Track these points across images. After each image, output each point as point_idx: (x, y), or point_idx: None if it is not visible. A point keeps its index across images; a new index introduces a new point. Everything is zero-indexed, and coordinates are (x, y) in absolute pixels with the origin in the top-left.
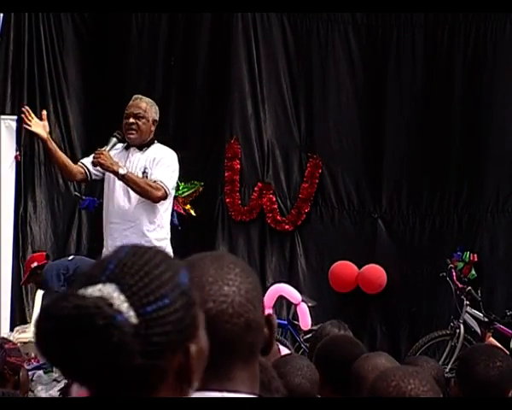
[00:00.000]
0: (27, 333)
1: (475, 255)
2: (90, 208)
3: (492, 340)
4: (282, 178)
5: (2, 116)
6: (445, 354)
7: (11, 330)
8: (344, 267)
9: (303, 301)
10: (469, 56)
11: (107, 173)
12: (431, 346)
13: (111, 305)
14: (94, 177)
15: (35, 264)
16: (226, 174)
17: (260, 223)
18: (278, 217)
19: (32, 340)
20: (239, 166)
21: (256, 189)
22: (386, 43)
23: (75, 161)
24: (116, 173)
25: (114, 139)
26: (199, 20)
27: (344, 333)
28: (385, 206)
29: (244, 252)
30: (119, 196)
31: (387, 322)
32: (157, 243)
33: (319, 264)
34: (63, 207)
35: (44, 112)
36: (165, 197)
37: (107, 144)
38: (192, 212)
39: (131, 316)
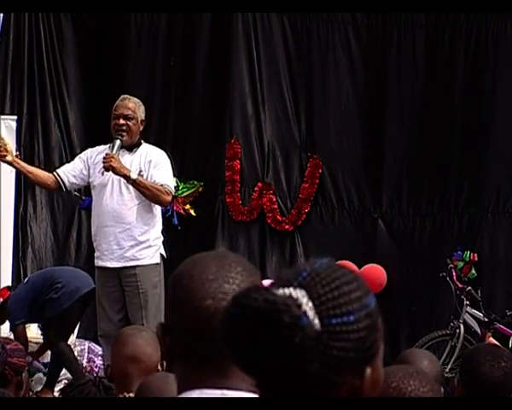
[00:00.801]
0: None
1: (475, 255)
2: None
3: (492, 340)
4: (283, 178)
5: (2, 116)
6: (444, 354)
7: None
8: (344, 267)
9: None
10: (470, 57)
11: (95, 181)
12: (431, 346)
13: (299, 306)
14: (71, 186)
15: (0, 300)
16: (226, 174)
17: (260, 223)
18: (278, 217)
19: (32, 340)
20: (239, 166)
21: (256, 189)
22: (386, 43)
23: None
24: (128, 178)
25: (118, 142)
26: (198, 20)
27: None
28: (385, 206)
29: (244, 252)
30: (113, 200)
31: (387, 322)
32: (152, 243)
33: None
34: (63, 208)
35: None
36: (172, 200)
37: (111, 148)
38: (192, 212)
39: (316, 323)
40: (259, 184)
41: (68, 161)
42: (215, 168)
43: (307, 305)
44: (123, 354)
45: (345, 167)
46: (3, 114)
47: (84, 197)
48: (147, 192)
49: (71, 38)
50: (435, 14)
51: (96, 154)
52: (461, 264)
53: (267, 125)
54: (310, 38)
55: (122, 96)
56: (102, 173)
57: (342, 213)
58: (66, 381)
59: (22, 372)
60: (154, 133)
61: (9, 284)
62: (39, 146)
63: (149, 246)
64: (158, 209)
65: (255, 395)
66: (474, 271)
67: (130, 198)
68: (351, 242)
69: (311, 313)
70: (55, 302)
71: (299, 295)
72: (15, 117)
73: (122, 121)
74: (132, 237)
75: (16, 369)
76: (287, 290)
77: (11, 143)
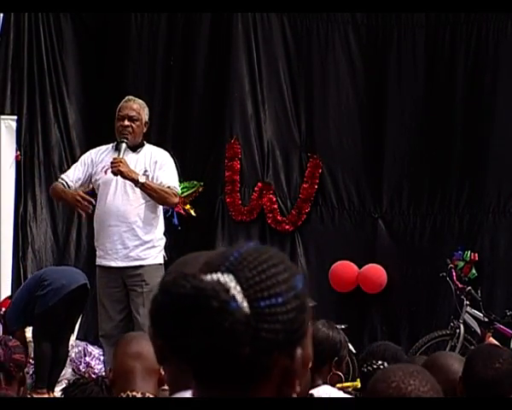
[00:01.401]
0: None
1: (476, 255)
2: None
3: (492, 340)
4: (283, 178)
5: (2, 116)
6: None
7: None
8: (344, 267)
9: None
10: (471, 57)
11: (100, 180)
12: (431, 346)
13: (227, 291)
14: (73, 187)
15: (3, 310)
16: (226, 174)
17: (260, 223)
18: (278, 217)
19: (31, 340)
20: (239, 166)
21: (256, 189)
22: (386, 43)
23: (75, 161)
24: (136, 181)
25: (124, 145)
26: (198, 20)
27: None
28: (385, 206)
29: None
30: (118, 200)
31: (388, 322)
32: (156, 243)
33: (319, 264)
34: (63, 207)
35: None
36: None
37: (118, 152)
38: (192, 212)
39: (245, 307)
40: (259, 184)
41: (68, 161)
42: (215, 168)
43: (235, 289)
44: (127, 352)
45: (345, 167)
46: (3, 113)
47: None
48: (154, 194)
49: (71, 38)
50: (435, 14)
51: (99, 154)
52: (461, 264)
53: (267, 125)
54: (310, 38)
55: (126, 98)
56: (105, 172)
57: (342, 214)
58: (66, 381)
59: (24, 368)
60: (154, 133)
61: (9, 283)
62: (39, 146)
63: (153, 246)
64: (161, 210)
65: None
66: (474, 271)
67: (135, 198)
68: (351, 242)
69: (239, 297)
70: (41, 300)
71: (227, 279)
72: (15, 117)
73: (127, 123)
74: (137, 237)
75: (19, 365)
76: (215, 276)
77: (11, 143)
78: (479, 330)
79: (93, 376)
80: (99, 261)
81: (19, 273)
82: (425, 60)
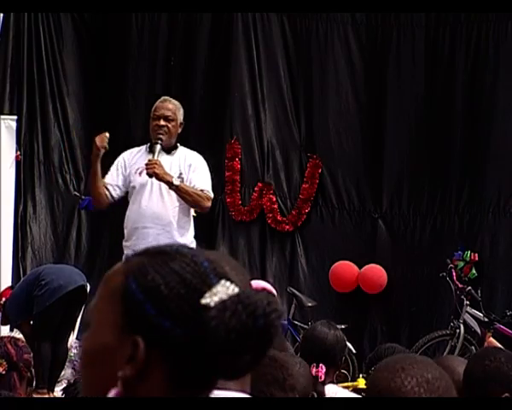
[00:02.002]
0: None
1: (476, 255)
2: (90, 208)
3: (492, 340)
4: (283, 178)
5: (2, 116)
6: (444, 354)
7: (11, 330)
8: (344, 267)
9: (279, 297)
10: (471, 57)
11: (134, 182)
12: (431, 346)
13: None
14: (117, 196)
15: (3, 299)
16: (226, 174)
17: (261, 223)
18: (278, 217)
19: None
20: (239, 166)
21: (256, 189)
22: (386, 43)
23: (75, 161)
24: (170, 183)
25: (159, 147)
26: (199, 20)
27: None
28: (385, 206)
29: (244, 252)
30: (152, 201)
31: (388, 322)
32: (189, 246)
33: (320, 264)
34: (63, 207)
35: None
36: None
37: (153, 154)
38: (192, 212)
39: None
40: (259, 184)
41: (68, 161)
42: (215, 168)
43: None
44: None
45: (345, 168)
46: (3, 113)
47: (83, 197)
48: (188, 198)
49: (71, 38)
50: (435, 14)
51: (131, 156)
52: (461, 264)
53: (267, 125)
54: (309, 37)
55: (162, 98)
56: (140, 174)
57: (342, 214)
58: (66, 381)
59: (31, 369)
60: None
61: (9, 283)
62: (39, 146)
63: None
64: (192, 213)
65: (244, 395)
66: (474, 271)
67: (170, 200)
68: (351, 242)
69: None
70: (39, 299)
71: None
72: (15, 117)
73: (163, 122)
74: (172, 240)
75: (27, 365)
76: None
77: (11, 143)
78: (479, 330)
79: None
80: None
81: (19, 273)
82: (425, 60)
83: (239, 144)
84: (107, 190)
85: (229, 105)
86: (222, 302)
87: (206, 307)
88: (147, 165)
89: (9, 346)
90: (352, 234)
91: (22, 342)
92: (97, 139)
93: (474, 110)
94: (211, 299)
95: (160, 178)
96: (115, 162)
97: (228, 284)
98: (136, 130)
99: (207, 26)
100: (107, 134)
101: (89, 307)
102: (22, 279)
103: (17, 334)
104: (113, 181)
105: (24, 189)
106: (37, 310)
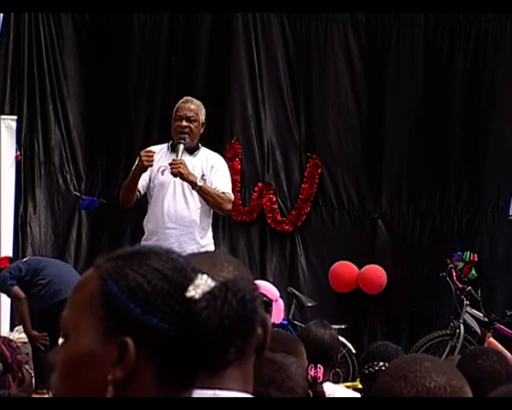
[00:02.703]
0: (20, 334)
1: (475, 255)
2: (90, 208)
3: (492, 340)
4: (283, 178)
5: (2, 116)
6: (444, 354)
7: (11, 329)
8: (344, 268)
9: (280, 297)
10: (470, 57)
11: (155, 180)
12: (431, 346)
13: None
14: (143, 191)
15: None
16: None
17: (261, 223)
18: (279, 217)
19: (29, 340)
20: (239, 166)
21: (256, 189)
22: (385, 43)
23: (75, 161)
24: (194, 184)
25: (182, 146)
26: (199, 21)
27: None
28: (385, 206)
29: (244, 252)
30: (175, 202)
31: (387, 322)
32: (209, 248)
33: (319, 264)
34: (63, 207)
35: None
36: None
37: (176, 153)
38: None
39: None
40: (259, 184)
41: (68, 161)
42: None
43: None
44: None
45: (344, 168)
46: (3, 114)
47: (84, 197)
48: (210, 199)
49: (71, 38)
50: (434, 14)
51: (155, 154)
52: (461, 264)
53: (267, 125)
54: (309, 37)
55: (184, 98)
56: (162, 173)
57: (342, 214)
58: None
59: (22, 369)
60: (155, 133)
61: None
62: (39, 146)
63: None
64: (211, 215)
65: (247, 395)
66: (474, 271)
67: (193, 201)
68: (351, 242)
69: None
70: (37, 299)
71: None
72: (15, 117)
73: (185, 123)
74: (195, 241)
75: (20, 366)
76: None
77: (11, 143)
78: (479, 330)
79: None
80: None
81: None
82: (424, 60)
83: (239, 144)
84: (138, 190)
85: (230, 105)
86: (210, 292)
87: (192, 299)
88: (171, 164)
89: (4, 347)
90: (352, 234)
91: (15, 342)
92: (144, 157)
93: (472, 110)
94: (195, 292)
95: (184, 178)
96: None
97: (205, 276)
98: (138, 130)
99: (208, 27)
100: (154, 151)
101: (62, 318)
102: (24, 260)
103: (17, 333)
104: (142, 186)
105: (24, 189)
106: (36, 309)
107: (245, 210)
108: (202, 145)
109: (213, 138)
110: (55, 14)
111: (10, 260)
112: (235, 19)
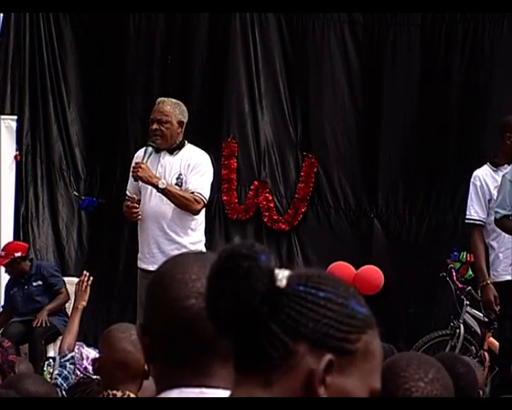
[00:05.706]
0: None
1: (472, 255)
2: (90, 208)
3: (492, 340)
4: (279, 176)
5: (2, 116)
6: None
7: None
8: (341, 268)
9: None
10: (467, 56)
11: (139, 183)
12: (431, 346)
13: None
14: (138, 195)
15: (19, 254)
16: (223, 172)
17: (257, 221)
18: (275, 216)
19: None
20: (236, 164)
21: (252, 187)
22: (382, 42)
23: (75, 161)
24: (156, 187)
25: (150, 149)
26: (196, 20)
27: None
28: (381, 206)
29: None
30: (153, 204)
31: (386, 323)
32: (192, 247)
33: (316, 264)
34: (64, 207)
35: None
36: (202, 208)
37: (143, 156)
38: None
39: (283, 283)
40: (256, 183)
41: (68, 160)
42: (212, 166)
43: (282, 273)
44: (112, 358)
45: (340, 167)
46: (3, 113)
47: (83, 197)
48: (175, 201)
49: (70, 39)
50: (431, 14)
51: (137, 158)
52: (457, 265)
53: (264, 123)
54: (306, 37)
55: (158, 100)
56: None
57: (338, 213)
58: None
59: (15, 369)
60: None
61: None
62: (40, 146)
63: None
64: (201, 212)
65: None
66: (470, 271)
67: (169, 201)
68: (347, 242)
69: (280, 275)
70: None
71: (282, 271)
72: (15, 117)
73: (155, 126)
74: (172, 241)
75: (12, 366)
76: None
77: (11, 143)
78: (479, 330)
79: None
80: (139, 264)
81: None
82: (421, 59)
83: (235, 143)
84: (137, 202)
85: (226, 104)
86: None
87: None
88: (133, 168)
89: None
90: (348, 234)
91: (7, 342)
92: (126, 212)
93: (469, 110)
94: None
95: (144, 182)
96: (131, 169)
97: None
98: (134, 129)
99: (205, 26)
100: (141, 154)
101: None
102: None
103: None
104: (130, 187)
105: (25, 188)
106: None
107: (241, 208)
108: (199, 143)
109: (210, 137)
110: (54, 15)
111: (28, 249)
112: (233, 18)
